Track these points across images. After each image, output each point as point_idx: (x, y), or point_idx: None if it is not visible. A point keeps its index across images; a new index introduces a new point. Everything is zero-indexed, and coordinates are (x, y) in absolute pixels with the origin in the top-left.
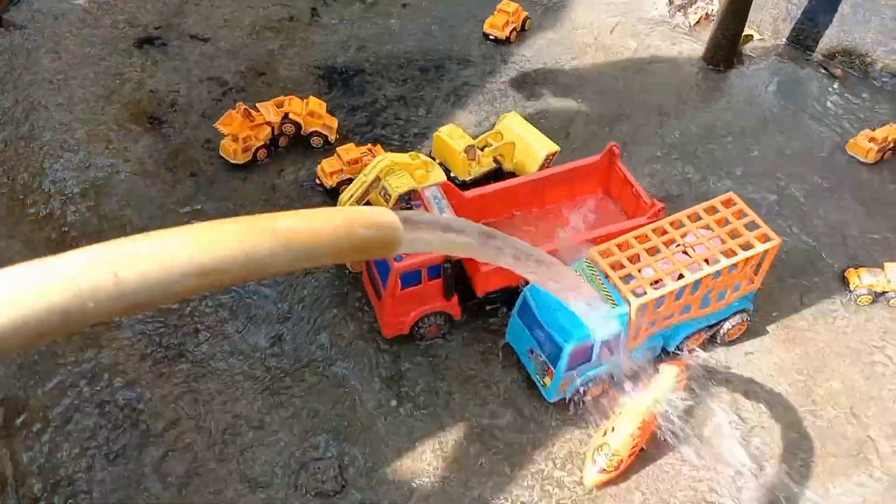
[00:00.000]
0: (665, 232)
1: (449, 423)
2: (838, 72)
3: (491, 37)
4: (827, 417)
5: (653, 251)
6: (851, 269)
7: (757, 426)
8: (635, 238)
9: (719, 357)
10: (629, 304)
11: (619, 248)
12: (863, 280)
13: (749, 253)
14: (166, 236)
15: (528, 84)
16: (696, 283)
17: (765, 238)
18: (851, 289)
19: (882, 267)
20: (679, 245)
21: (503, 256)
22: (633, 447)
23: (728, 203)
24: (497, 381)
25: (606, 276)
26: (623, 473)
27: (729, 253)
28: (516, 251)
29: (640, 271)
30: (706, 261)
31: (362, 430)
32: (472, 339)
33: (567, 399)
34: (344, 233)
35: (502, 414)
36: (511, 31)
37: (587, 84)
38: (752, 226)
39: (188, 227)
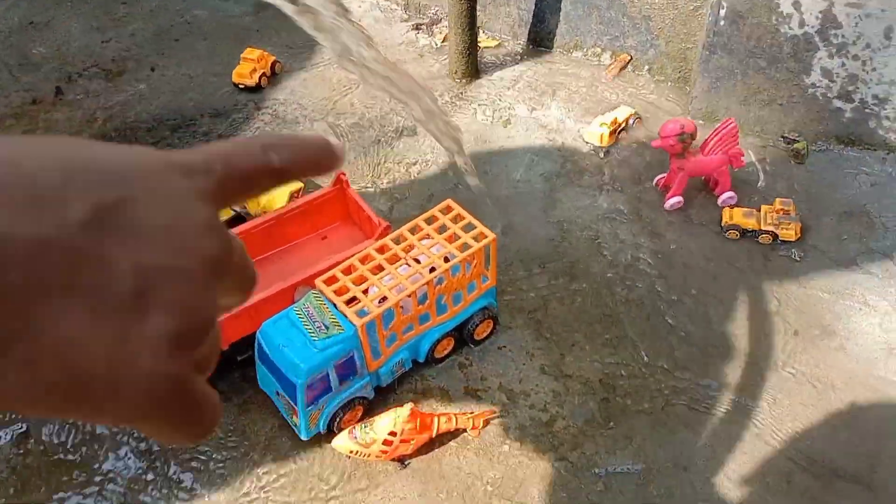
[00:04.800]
0: (389, 248)
1: (206, 484)
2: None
3: (241, 86)
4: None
5: (377, 269)
6: (727, 209)
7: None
8: (359, 260)
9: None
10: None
11: (344, 273)
12: (733, 217)
13: (465, 254)
14: None
15: (281, 124)
16: (423, 292)
17: (481, 237)
18: (722, 224)
19: (759, 209)
20: (403, 259)
21: None
22: (393, 434)
23: (448, 210)
24: (257, 430)
25: (334, 304)
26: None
27: (448, 257)
28: None
29: (365, 292)
30: (433, 269)
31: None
32: (230, 392)
33: (323, 432)
34: None
35: (259, 461)
36: (260, 77)
37: (341, 117)
38: (469, 227)
39: None
